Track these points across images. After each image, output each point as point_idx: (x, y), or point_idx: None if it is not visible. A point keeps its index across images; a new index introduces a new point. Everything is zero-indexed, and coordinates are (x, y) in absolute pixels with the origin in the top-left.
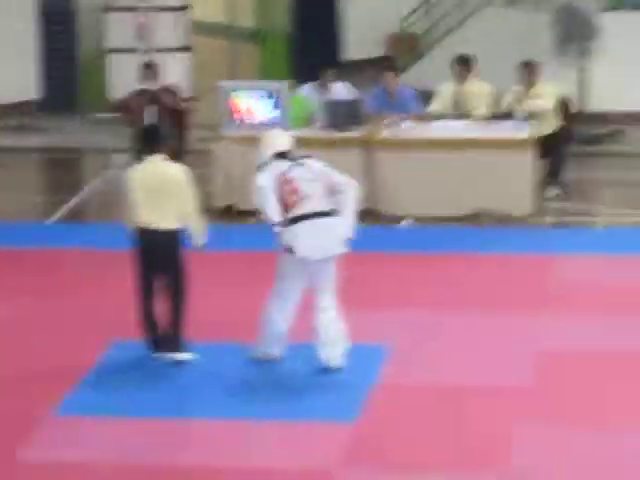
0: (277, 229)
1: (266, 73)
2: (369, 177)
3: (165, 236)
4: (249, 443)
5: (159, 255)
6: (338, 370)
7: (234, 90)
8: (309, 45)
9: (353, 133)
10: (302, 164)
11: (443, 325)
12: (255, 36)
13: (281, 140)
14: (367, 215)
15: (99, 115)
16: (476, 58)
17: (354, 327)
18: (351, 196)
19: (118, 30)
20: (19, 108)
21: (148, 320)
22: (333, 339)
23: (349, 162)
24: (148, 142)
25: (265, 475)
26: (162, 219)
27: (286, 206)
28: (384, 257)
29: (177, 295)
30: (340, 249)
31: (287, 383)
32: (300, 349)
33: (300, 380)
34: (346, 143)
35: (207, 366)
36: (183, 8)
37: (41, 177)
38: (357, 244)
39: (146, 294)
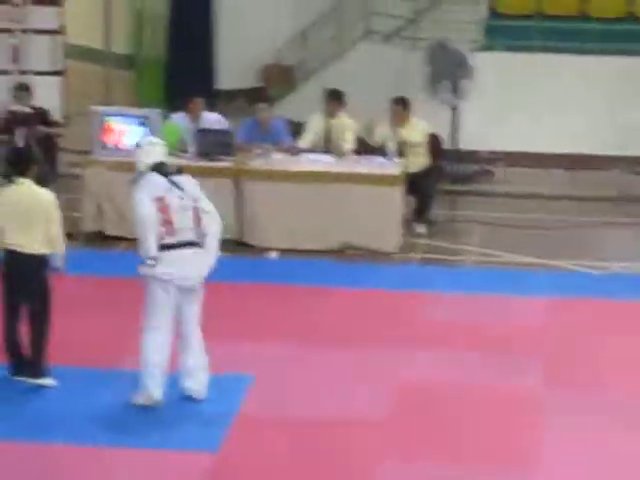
0: (150, 262)
1: (140, 100)
2: (238, 208)
3: (31, 260)
4: (108, 471)
5: (24, 279)
6: (201, 400)
7: (107, 115)
8: (184, 73)
9: (223, 163)
10: (177, 184)
11: (305, 358)
12: (130, 62)
13: (156, 150)
14: (234, 246)
15: None
16: (345, 93)
17: (217, 358)
18: (215, 227)
19: None
20: None
21: (10, 343)
22: (196, 370)
23: (219, 192)
24: (17, 165)
25: None
26: (29, 243)
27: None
28: (249, 288)
29: (40, 320)
30: (203, 277)
31: (150, 411)
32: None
33: (163, 409)
34: (216, 172)
35: (68, 391)
36: (58, 31)
37: None
38: (223, 275)
39: (10, 317)
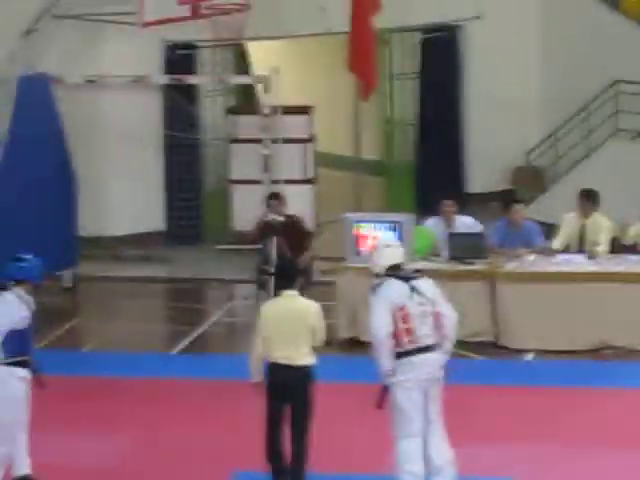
0: (387, 375)
1: (390, 206)
2: (493, 310)
3: (299, 372)
4: None
5: (291, 390)
6: None
7: (358, 222)
8: (434, 178)
9: (477, 266)
10: (417, 289)
11: (570, 461)
12: (380, 168)
13: (393, 252)
14: (491, 348)
15: (222, 246)
16: (598, 193)
17: (478, 459)
18: (452, 331)
19: (243, 161)
20: (146, 238)
21: (273, 450)
22: (443, 465)
23: (473, 295)
24: (283, 276)
25: None
26: (296, 355)
27: (398, 341)
28: (505, 389)
29: (304, 430)
30: (440, 374)
31: None
32: None
33: None
34: (470, 276)
35: None
36: (308, 140)
37: (166, 307)
38: (478, 377)
39: (273, 427)
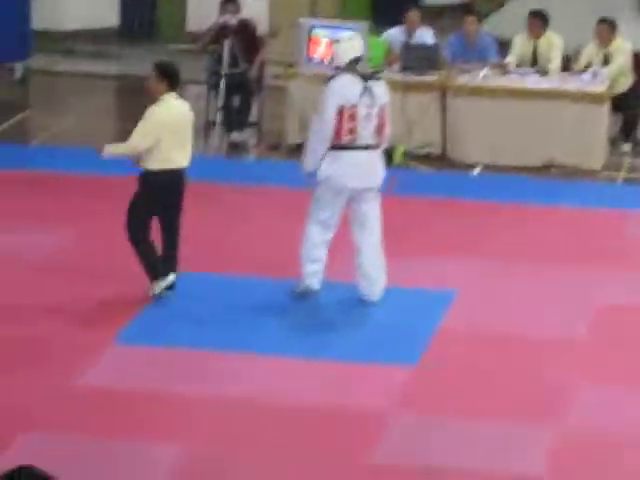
0: (306, 174)
1: (346, 14)
2: (442, 122)
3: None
4: (304, 381)
5: (180, 194)
6: (375, 303)
7: (314, 28)
8: None
9: (430, 78)
10: (370, 90)
11: (509, 275)
12: None
13: (354, 45)
14: (438, 161)
15: (177, 46)
16: (549, 15)
17: (420, 272)
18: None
19: None
20: (99, 34)
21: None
22: (371, 270)
23: (424, 106)
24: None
25: (318, 412)
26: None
27: (337, 137)
28: (452, 204)
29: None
30: (380, 182)
31: (341, 323)
32: (338, 287)
33: (354, 320)
34: (422, 87)
35: (256, 301)
36: None
37: (115, 104)
38: (425, 189)
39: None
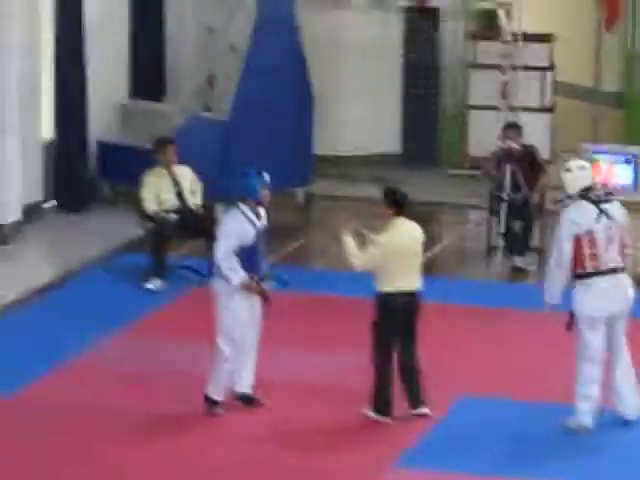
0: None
1: (628, 139)
2: None
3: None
4: None
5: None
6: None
7: (594, 153)
8: None
9: None
10: (606, 212)
11: None
12: (619, 100)
13: (586, 174)
14: None
15: (457, 171)
16: None
17: None
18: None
19: (481, 87)
20: (381, 160)
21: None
22: (626, 390)
23: None
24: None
25: None
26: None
27: (581, 265)
28: None
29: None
30: (629, 309)
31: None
32: None
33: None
34: None
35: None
36: (548, 68)
37: None
38: None
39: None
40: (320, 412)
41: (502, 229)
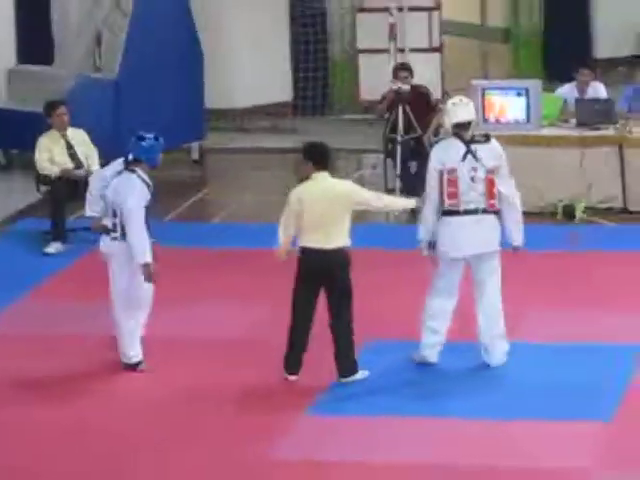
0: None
1: (517, 73)
2: (622, 175)
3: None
4: (499, 441)
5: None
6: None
7: (486, 89)
8: (561, 43)
9: (606, 132)
10: (474, 153)
11: None
12: (506, 35)
13: (462, 109)
14: (618, 214)
15: (350, 116)
16: None
17: (606, 326)
18: (518, 204)
19: (369, 31)
20: (272, 109)
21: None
22: (490, 337)
23: (601, 161)
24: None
25: (529, 474)
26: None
27: (442, 201)
28: (635, 256)
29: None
30: (496, 246)
31: (527, 383)
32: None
33: (537, 379)
34: (598, 141)
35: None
36: (434, 8)
37: (295, 178)
38: (609, 244)
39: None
40: (230, 368)
41: (398, 171)
